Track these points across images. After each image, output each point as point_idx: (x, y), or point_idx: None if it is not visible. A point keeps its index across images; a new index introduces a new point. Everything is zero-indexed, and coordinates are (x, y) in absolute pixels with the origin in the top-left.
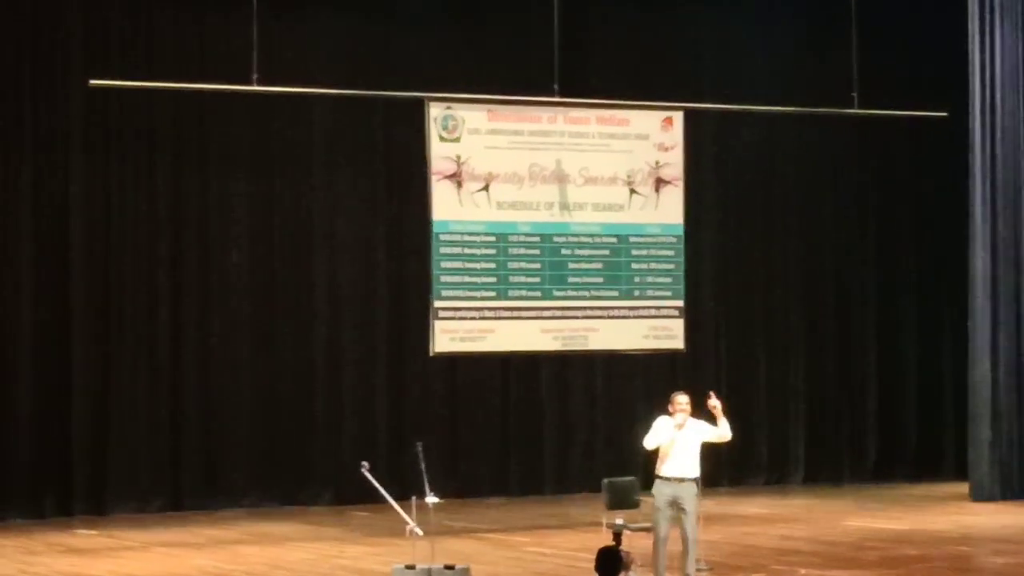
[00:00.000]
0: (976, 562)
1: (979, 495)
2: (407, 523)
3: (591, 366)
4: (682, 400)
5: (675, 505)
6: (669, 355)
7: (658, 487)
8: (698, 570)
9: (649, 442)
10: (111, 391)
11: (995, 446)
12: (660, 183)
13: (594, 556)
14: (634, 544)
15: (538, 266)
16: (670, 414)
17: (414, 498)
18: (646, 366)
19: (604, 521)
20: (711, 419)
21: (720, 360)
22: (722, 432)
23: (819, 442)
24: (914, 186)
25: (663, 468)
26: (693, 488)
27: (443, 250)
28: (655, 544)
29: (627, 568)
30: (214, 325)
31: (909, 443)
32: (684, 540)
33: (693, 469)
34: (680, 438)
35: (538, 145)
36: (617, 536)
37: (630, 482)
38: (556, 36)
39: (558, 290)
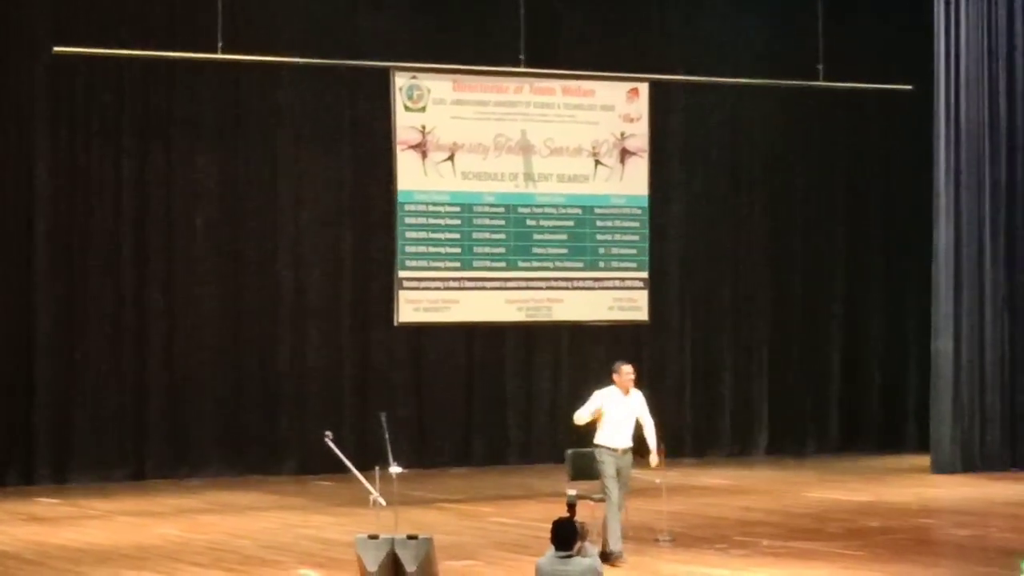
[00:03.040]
0: (937, 534)
1: (940, 468)
2: (370, 493)
3: (556, 337)
4: (628, 369)
5: (618, 474)
6: (633, 326)
7: (606, 456)
8: (657, 540)
9: (580, 418)
10: (75, 359)
11: (956, 419)
12: (625, 154)
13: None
14: (596, 515)
15: (503, 236)
16: (613, 383)
17: (378, 468)
18: (611, 337)
19: (567, 492)
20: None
21: (684, 331)
22: (650, 442)
23: (783, 414)
24: (880, 159)
25: (608, 439)
26: (631, 458)
27: (408, 220)
28: (611, 511)
29: (583, 539)
30: (179, 294)
31: (872, 415)
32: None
33: (631, 440)
34: (622, 410)
35: (503, 115)
36: (571, 507)
37: (593, 453)
38: (522, 6)
39: (523, 261)
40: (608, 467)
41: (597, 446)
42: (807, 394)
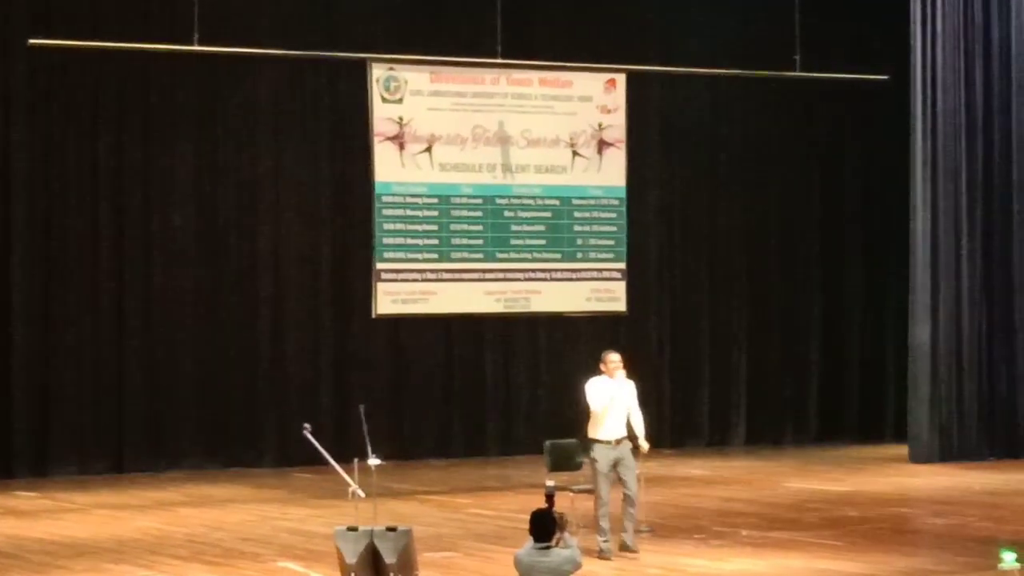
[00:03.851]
0: (915, 523)
1: (918, 457)
2: (349, 485)
3: (533, 328)
4: (615, 358)
5: (616, 466)
6: (611, 317)
7: (600, 451)
8: (638, 531)
9: (599, 403)
10: (53, 352)
11: (934, 409)
12: (603, 145)
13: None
14: (575, 506)
15: (480, 228)
16: (601, 372)
17: (356, 460)
18: (588, 328)
19: (546, 483)
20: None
21: (662, 322)
22: (638, 430)
23: (761, 404)
24: (857, 149)
25: (601, 432)
26: (629, 446)
27: (385, 212)
28: (599, 506)
29: (562, 529)
30: (157, 287)
31: (851, 405)
32: (627, 498)
33: (625, 429)
34: (615, 400)
35: (481, 107)
36: (549, 498)
37: (572, 444)
38: None
39: (500, 252)
40: (601, 464)
41: (590, 440)
42: (785, 384)
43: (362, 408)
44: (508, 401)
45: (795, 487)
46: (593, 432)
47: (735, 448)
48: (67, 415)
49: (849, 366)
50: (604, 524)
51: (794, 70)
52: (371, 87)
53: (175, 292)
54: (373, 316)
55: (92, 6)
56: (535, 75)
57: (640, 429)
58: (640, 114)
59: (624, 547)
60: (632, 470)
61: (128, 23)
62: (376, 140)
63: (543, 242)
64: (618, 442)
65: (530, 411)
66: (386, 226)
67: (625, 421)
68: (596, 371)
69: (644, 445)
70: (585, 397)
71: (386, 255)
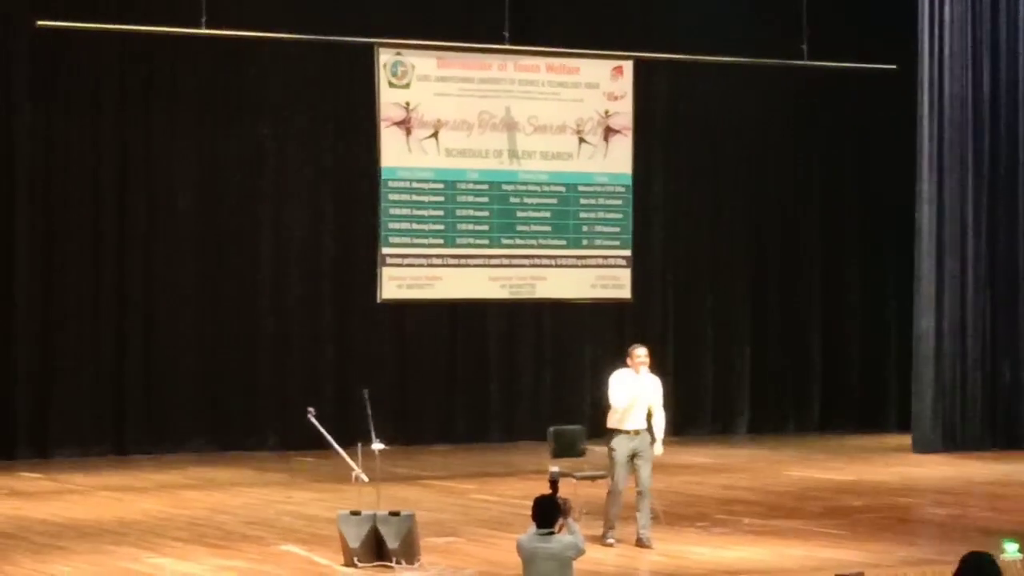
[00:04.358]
0: (917, 513)
1: (921, 447)
2: (353, 469)
3: (538, 314)
4: (641, 352)
5: (633, 457)
6: (616, 304)
7: (620, 441)
8: (638, 518)
9: (620, 401)
10: (55, 334)
11: (937, 399)
12: (609, 132)
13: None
14: (579, 493)
15: (486, 214)
16: (627, 366)
17: (360, 444)
18: (593, 315)
19: (550, 469)
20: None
21: (667, 310)
22: (657, 431)
23: (764, 392)
24: (863, 139)
25: (620, 422)
26: (648, 438)
27: (391, 197)
28: (612, 495)
29: (565, 515)
30: (160, 269)
31: (853, 394)
32: (640, 494)
33: (644, 421)
34: (638, 398)
35: (488, 93)
36: (554, 484)
37: (576, 430)
38: None
39: (506, 238)
40: (619, 454)
41: (609, 430)
42: (789, 373)
43: (366, 393)
44: (512, 387)
45: (797, 476)
46: (612, 422)
47: (738, 436)
48: (70, 397)
49: (852, 355)
50: (614, 518)
51: (801, 59)
52: (378, 72)
53: (178, 275)
54: (378, 301)
55: None
56: (542, 61)
57: (660, 432)
58: (647, 101)
59: (640, 542)
60: (648, 461)
61: (135, 6)
62: (383, 125)
63: (548, 228)
64: (637, 432)
65: (534, 397)
66: (392, 211)
67: (646, 414)
68: (605, 358)
69: (659, 449)
70: (608, 390)
71: (391, 240)
